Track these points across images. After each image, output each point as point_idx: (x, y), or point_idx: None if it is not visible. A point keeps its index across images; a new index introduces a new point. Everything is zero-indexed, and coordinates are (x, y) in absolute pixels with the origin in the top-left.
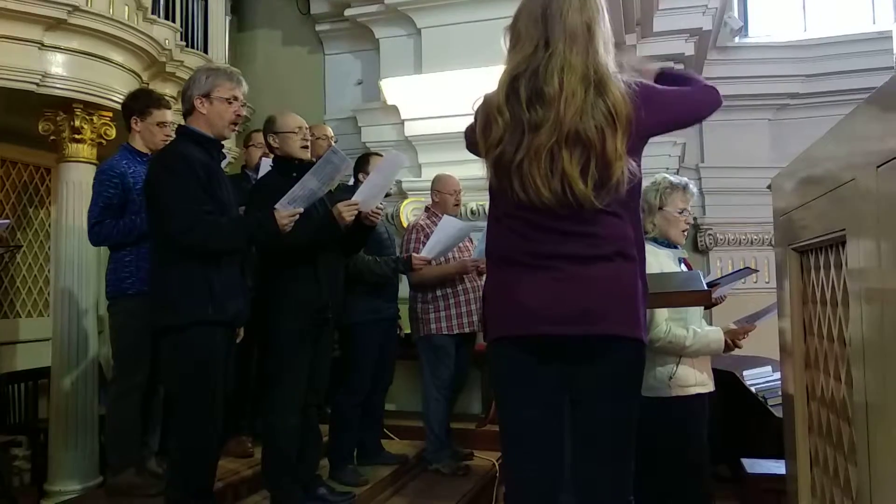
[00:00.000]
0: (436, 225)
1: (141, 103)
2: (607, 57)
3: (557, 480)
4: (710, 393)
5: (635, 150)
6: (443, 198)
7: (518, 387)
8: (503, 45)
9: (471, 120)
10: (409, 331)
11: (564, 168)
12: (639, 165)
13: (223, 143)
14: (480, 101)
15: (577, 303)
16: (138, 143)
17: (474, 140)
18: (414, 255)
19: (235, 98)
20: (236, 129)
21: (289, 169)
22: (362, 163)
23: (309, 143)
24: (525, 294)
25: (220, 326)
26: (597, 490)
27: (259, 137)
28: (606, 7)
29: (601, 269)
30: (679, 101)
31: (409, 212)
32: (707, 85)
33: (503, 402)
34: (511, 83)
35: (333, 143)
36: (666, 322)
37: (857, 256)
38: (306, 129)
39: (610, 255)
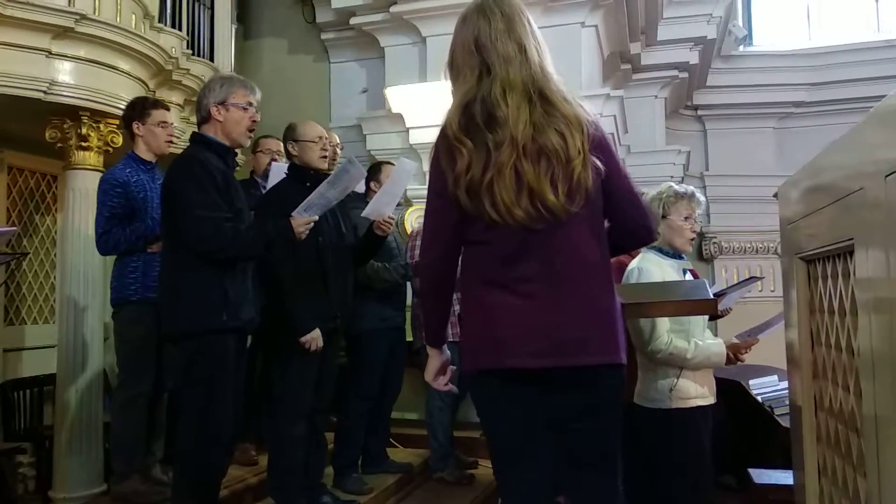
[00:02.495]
0: None
1: (139, 108)
2: (543, 62)
3: (549, 488)
4: (711, 405)
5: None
6: None
7: (501, 412)
8: (446, 80)
9: None
10: (412, 339)
11: (530, 182)
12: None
13: (236, 150)
14: (435, 140)
15: (558, 333)
16: (142, 151)
17: (438, 170)
18: None
19: (251, 104)
20: (251, 135)
21: (304, 177)
22: (374, 171)
23: (328, 154)
24: (504, 324)
25: (233, 333)
26: None
27: (267, 143)
28: (532, 18)
29: (580, 293)
30: (630, 182)
31: (414, 219)
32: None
33: (489, 427)
34: (464, 111)
35: (340, 152)
36: (668, 334)
37: (866, 266)
38: (326, 139)
39: (587, 278)
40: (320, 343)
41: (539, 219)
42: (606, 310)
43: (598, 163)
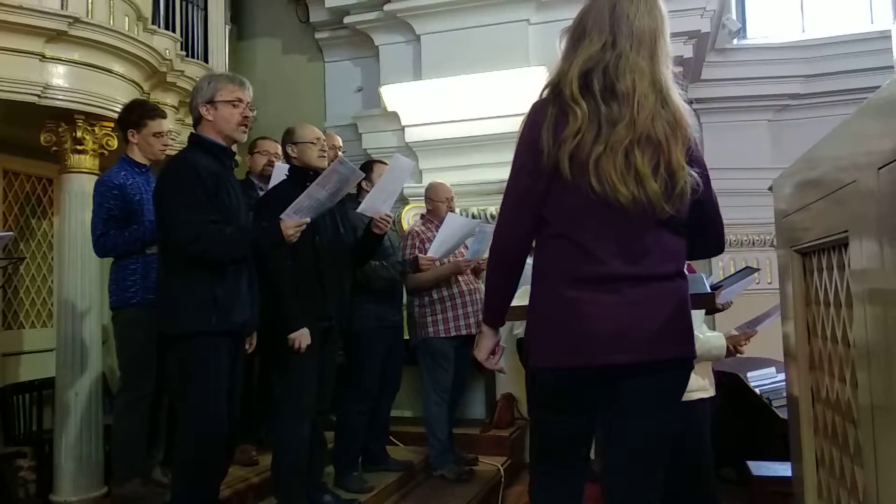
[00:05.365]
0: (431, 231)
1: (136, 115)
2: (667, 71)
3: (582, 484)
4: (711, 397)
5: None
6: (435, 205)
7: (566, 412)
8: (560, 43)
9: (472, 125)
10: (408, 336)
11: (637, 166)
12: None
13: (233, 148)
14: (538, 102)
15: (644, 329)
16: (137, 155)
17: (534, 138)
18: (420, 255)
19: (240, 100)
20: (247, 130)
21: (303, 178)
22: (365, 170)
23: (326, 154)
24: (590, 322)
25: (224, 336)
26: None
27: (264, 145)
28: (668, 21)
29: (665, 290)
30: (716, 200)
31: (411, 217)
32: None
33: (545, 422)
34: (583, 77)
35: (341, 154)
36: None
37: (860, 258)
38: (324, 139)
39: (671, 274)
40: (307, 341)
41: (640, 204)
42: (685, 308)
43: (697, 178)
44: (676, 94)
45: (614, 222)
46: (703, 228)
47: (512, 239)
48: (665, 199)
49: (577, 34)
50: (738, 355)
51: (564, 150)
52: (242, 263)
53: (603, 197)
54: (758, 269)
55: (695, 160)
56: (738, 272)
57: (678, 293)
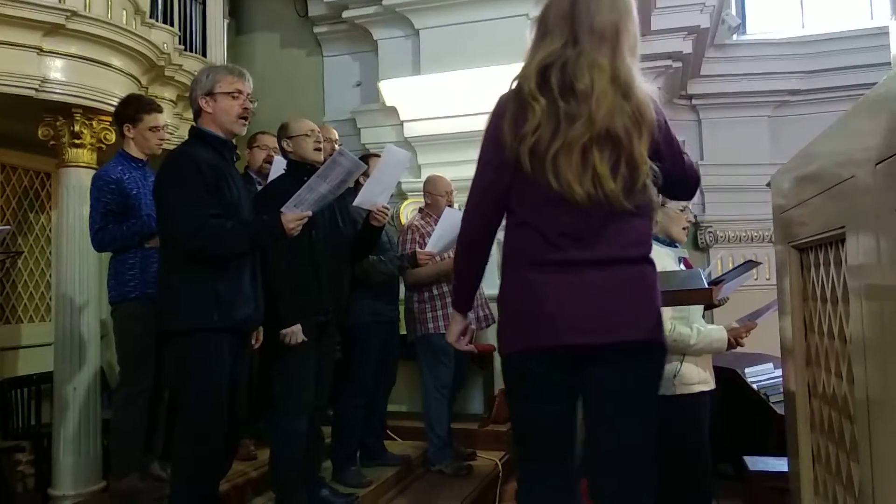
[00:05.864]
0: (430, 226)
1: (131, 109)
2: (632, 61)
3: (573, 481)
4: (711, 391)
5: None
6: (434, 199)
7: (539, 398)
8: (528, 36)
9: (472, 120)
10: (405, 332)
11: (595, 166)
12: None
13: (234, 141)
14: (502, 97)
15: (606, 310)
16: (133, 150)
17: (497, 134)
18: (419, 250)
19: (239, 91)
20: (246, 123)
21: (301, 172)
22: None
23: (322, 146)
24: (553, 303)
25: (226, 333)
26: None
27: (263, 139)
28: (636, 7)
29: (627, 274)
30: (681, 152)
31: (409, 212)
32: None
33: (521, 411)
34: (542, 73)
35: (337, 147)
36: (671, 321)
37: (857, 253)
38: (318, 131)
39: (636, 258)
40: (299, 338)
41: (597, 202)
42: (651, 293)
43: (658, 170)
44: (639, 86)
45: (575, 214)
46: (674, 186)
47: (477, 228)
48: (625, 195)
49: (542, 30)
50: (739, 348)
51: (525, 145)
52: (245, 258)
53: (560, 193)
54: (759, 263)
55: (663, 142)
56: (739, 266)
57: (643, 278)
